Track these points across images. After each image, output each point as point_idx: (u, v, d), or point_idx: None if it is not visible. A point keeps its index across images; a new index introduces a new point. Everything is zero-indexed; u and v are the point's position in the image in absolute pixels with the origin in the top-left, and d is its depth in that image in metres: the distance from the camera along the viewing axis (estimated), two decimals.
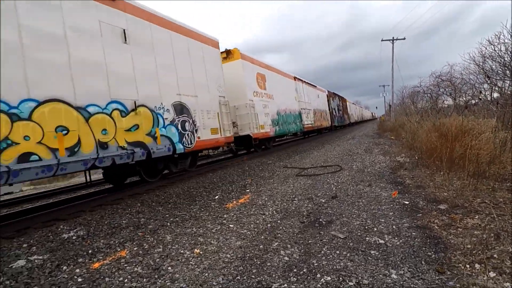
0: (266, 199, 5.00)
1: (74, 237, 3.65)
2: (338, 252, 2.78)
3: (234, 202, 5.02)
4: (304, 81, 19.57)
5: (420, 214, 3.53)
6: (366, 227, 3.31)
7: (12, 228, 4.00)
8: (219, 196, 5.56)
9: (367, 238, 3.02)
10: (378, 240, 2.93)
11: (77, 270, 2.76)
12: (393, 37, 28.92)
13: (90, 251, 3.21)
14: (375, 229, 3.23)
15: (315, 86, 22.66)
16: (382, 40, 29.29)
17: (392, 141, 13.14)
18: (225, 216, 4.23)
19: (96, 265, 2.86)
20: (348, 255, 2.69)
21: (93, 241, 3.54)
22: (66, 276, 2.65)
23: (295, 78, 17.46)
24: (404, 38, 29.23)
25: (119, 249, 3.25)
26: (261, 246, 3.04)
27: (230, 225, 3.80)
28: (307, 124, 18.41)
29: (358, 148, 11.45)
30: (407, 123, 13.11)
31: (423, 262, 2.45)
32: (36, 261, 3.01)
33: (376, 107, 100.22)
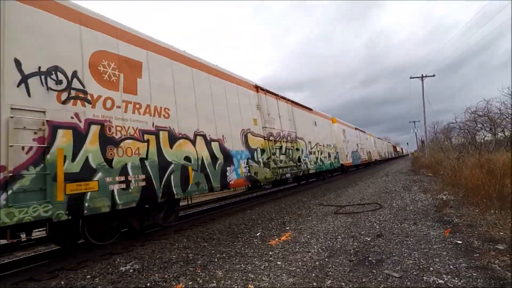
0: (308, 236, 5.00)
1: (131, 270, 3.85)
2: None
3: (276, 239, 5.05)
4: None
5: (477, 254, 3.40)
6: (421, 267, 3.23)
7: (74, 260, 4.29)
8: (260, 233, 5.61)
9: (424, 278, 2.95)
10: (437, 280, 2.86)
11: None
12: (422, 74, 27.73)
13: (148, 284, 3.37)
14: (431, 268, 3.15)
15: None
16: (411, 78, 28.35)
17: (430, 178, 12.65)
18: (270, 253, 4.27)
19: None
20: None
21: (148, 274, 3.71)
22: None
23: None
24: (433, 75, 27.97)
25: (174, 284, 3.38)
26: (314, 284, 3.05)
27: (278, 262, 3.84)
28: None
29: (394, 186, 11.13)
30: (445, 159, 12.65)
31: None
32: None
33: (408, 143, 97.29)
